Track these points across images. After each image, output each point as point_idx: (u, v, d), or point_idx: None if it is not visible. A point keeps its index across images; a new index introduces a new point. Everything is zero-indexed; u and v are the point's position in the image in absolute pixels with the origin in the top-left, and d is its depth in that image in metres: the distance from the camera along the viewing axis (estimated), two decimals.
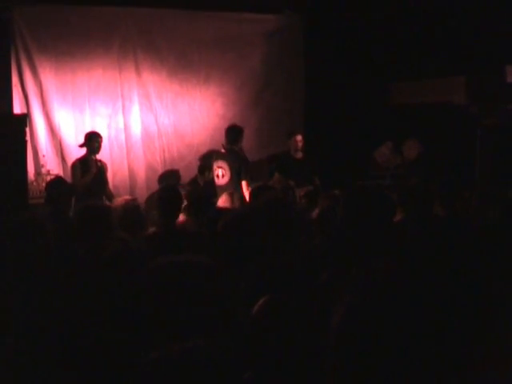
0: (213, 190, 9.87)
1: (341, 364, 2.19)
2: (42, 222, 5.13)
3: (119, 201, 7.61)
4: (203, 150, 11.71)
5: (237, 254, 4.60)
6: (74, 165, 10.08)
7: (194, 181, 11.06)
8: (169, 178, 11.23)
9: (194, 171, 11.19)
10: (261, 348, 3.09)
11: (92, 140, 10.00)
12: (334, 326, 2.21)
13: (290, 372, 3.04)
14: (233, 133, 10.27)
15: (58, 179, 8.79)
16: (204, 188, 10.17)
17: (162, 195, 6.65)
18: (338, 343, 2.19)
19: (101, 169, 10.07)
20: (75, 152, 10.28)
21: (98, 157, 10.19)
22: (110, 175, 10.74)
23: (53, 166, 10.59)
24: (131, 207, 6.92)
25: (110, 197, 10.08)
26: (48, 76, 10.73)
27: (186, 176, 11.23)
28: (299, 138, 10.95)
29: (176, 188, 7.20)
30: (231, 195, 8.02)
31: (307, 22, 12.32)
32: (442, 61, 11.09)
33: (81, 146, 10.11)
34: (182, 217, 7.33)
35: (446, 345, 2.60)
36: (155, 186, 11.23)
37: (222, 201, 7.84)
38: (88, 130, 10.74)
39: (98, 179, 9.97)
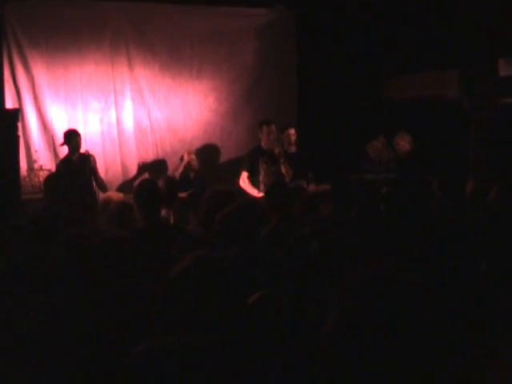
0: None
1: (335, 363, 2.19)
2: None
3: (114, 196, 7.62)
4: (196, 144, 11.75)
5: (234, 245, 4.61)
6: (57, 166, 10.21)
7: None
8: (156, 169, 11.34)
9: None
10: (254, 341, 3.09)
11: (70, 139, 10.07)
12: (328, 326, 2.20)
13: (282, 366, 3.05)
14: None
15: (53, 174, 8.80)
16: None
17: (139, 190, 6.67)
18: (332, 344, 2.18)
19: (84, 162, 10.13)
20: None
21: (90, 150, 10.28)
22: (102, 170, 10.76)
23: (45, 161, 10.58)
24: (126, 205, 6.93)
25: (103, 187, 10.16)
26: (40, 71, 10.69)
27: None
28: (292, 131, 10.98)
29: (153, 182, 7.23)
30: None
31: (299, 16, 12.31)
32: (435, 55, 11.09)
33: (61, 145, 10.21)
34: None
35: (441, 344, 2.60)
36: None
37: None
38: (80, 124, 10.79)
39: (82, 173, 10.04)
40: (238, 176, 10.64)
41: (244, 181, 10.43)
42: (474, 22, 10.42)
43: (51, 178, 8.31)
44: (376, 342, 2.13)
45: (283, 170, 10.15)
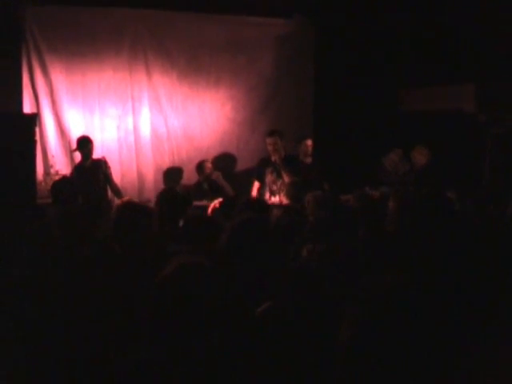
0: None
1: (350, 376, 2.19)
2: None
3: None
4: (212, 152, 11.78)
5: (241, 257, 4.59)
6: (71, 172, 10.27)
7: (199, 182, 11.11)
8: (172, 176, 11.35)
9: None
10: (262, 350, 3.10)
11: (82, 146, 10.11)
12: (343, 339, 2.21)
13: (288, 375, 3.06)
14: None
15: (63, 179, 8.82)
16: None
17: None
18: (348, 357, 2.19)
19: (98, 168, 10.15)
20: None
21: (107, 156, 10.30)
22: (118, 177, 10.80)
23: (62, 167, 10.62)
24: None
25: (118, 193, 10.18)
26: (58, 76, 10.75)
27: (194, 178, 11.23)
28: (309, 142, 11.01)
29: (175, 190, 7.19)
30: None
31: (318, 26, 12.32)
32: (452, 68, 11.08)
33: (73, 150, 10.27)
34: None
35: (453, 356, 2.60)
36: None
37: None
38: (98, 130, 10.84)
39: (95, 179, 10.06)
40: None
41: (253, 191, 10.44)
42: (492, 35, 10.41)
43: (58, 182, 8.33)
44: (390, 354, 2.13)
45: (285, 179, 10.09)
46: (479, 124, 10.78)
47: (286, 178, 9.98)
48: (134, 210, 5.49)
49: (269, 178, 10.24)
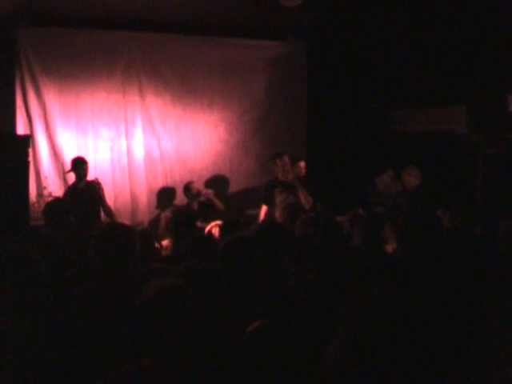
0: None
1: None
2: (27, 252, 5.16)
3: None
4: (205, 174, 11.77)
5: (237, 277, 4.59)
6: (64, 193, 10.26)
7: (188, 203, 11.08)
8: (165, 198, 11.35)
9: None
10: (253, 368, 3.10)
11: (77, 167, 10.07)
12: (332, 354, 2.21)
13: None
14: None
15: (55, 201, 8.81)
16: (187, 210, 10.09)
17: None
18: (338, 372, 2.19)
19: (91, 190, 10.13)
20: None
21: (100, 178, 10.28)
22: (111, 198, 10.78)
23: (55, 188, 10.61)
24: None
25: (110, 214, 10.15)
26: (52, 98, 10.78)
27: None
28: (302, 164, 10.99)
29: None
30: None
31: (310, 49, 12.38)
32: (444, 89, 11.12)
33: (68, 171, 10.24)
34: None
35: (444, 370, 2.60)
36: (157, 211, 11.27)
37: None
38: (91, 152, 10.82)
39: (89, 200, 10.02)
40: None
41: (261, 215, 10.34)
42: (484, 57, 10.46)
43: (51, 204, 8.31)
44: (379, 367, 2.13)
45: (302, 197, 10.00)
46: (471, 145, 10.81)
47: (303, 196, 9.93)
48: (118, 230, 5.47)
49: (279, 198, 10.15)
